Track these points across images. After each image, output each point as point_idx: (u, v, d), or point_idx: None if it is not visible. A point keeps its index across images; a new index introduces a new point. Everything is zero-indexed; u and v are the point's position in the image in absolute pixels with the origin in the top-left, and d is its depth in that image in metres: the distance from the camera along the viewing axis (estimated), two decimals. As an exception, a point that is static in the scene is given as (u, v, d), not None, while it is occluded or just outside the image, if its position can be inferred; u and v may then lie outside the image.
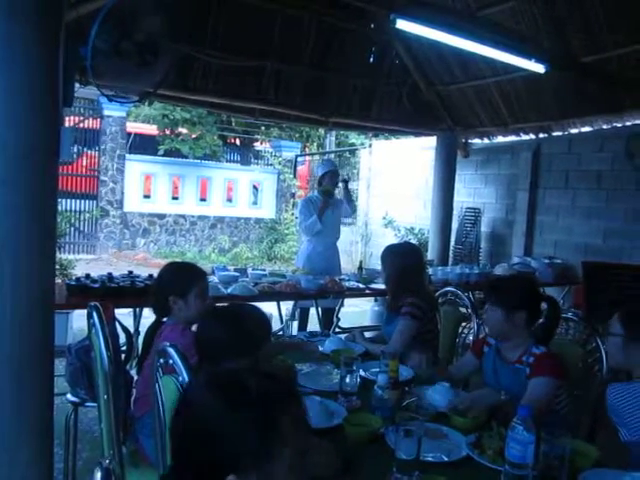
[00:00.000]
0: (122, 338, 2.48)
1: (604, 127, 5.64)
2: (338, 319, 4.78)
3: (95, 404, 2.29)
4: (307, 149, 14.33)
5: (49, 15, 2.17)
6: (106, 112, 10.51)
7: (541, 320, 2.24)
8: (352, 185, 10.53)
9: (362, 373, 2.26)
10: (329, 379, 2.32)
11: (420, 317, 2.72)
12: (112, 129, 10.67)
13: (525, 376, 2.07)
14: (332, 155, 12.78)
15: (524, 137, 6.37)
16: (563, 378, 2.09)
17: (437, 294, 3.37)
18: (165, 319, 2.27)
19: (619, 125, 5.51)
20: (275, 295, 4.09)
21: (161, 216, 11.36)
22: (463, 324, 3.29)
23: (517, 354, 2.15)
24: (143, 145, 12.81)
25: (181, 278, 2.25)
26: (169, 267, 2.38)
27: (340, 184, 5.34)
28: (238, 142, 14.87)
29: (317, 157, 13.15)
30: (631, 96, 4.95)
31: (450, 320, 3.17)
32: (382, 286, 4.34)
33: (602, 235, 5.89)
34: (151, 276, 3.69)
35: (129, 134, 11.69)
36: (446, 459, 1.65)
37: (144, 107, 11.27)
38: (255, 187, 12.40)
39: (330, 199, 4.99)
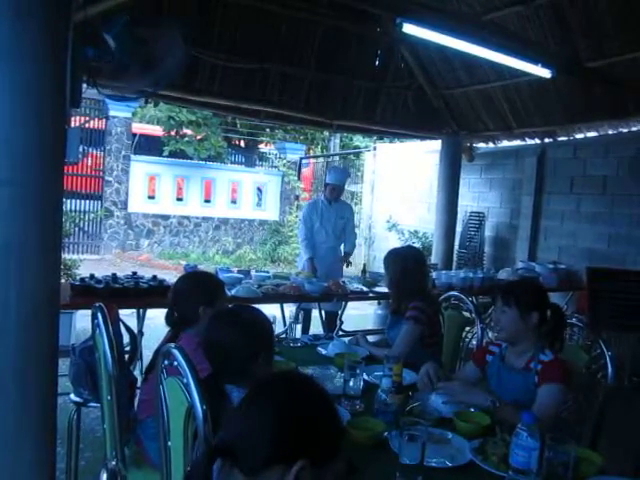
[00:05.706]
0: (126, 339, 2.48)
1: (610, 132, 5.63)
2: (341, 322, 4.78)
3: (98, 404, 2.30)
4: (311, 151, 14.34)
5: (57, 16, 2.17)
6: (112, 113, 10.54)
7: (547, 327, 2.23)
8: (356, 188, 10.57)
9: (366, 377, 2.25)
10: (333, 382, 2.32)
11: (424, 321, 2.71)
12: (117, 130, 10.70)
13: (533, 384, 2.05)
14: (337, 159, 12.77)
15: (529, 142, 6.36)
16: (570, 384, 2.08)
17: (441, 298, 3.36)
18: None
19: (625, 130, 5.49)
20: (279, 297, 4.10)
21: (165, 217, 11.38)
22: (467, 329, 3.28)
23: (524, 360, 2.13)
24: (148, 146, 12.83)
25: (208, 287, 2.26)
26: (189, 280, 2.39)
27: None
28: (243, 144, 14.89)
29: (321, 159, 13.16)
30: (637, 101, 4.94)
31: (454, 324, 3.16)
32: (385, 289, 4.36)
33: (607, 241, 5.86)
34: (155, 277, 3.70)
35: (134, 135, 11.72)
36: (450, 464, 1.65)
37: (149, 108, 11.29)
38: (259, 189, 12.40)
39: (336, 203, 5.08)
